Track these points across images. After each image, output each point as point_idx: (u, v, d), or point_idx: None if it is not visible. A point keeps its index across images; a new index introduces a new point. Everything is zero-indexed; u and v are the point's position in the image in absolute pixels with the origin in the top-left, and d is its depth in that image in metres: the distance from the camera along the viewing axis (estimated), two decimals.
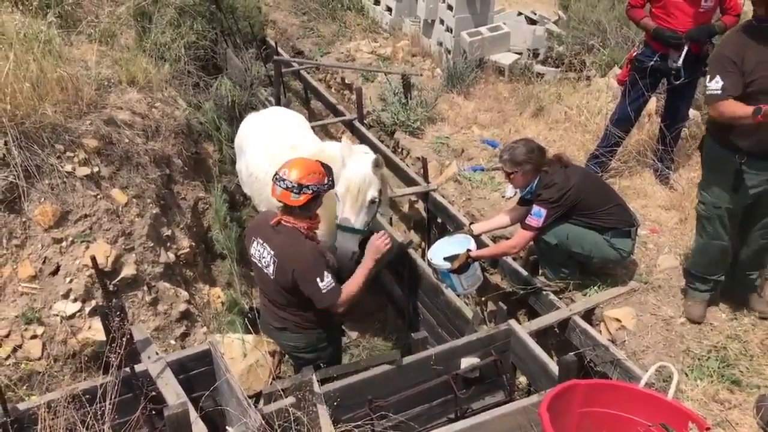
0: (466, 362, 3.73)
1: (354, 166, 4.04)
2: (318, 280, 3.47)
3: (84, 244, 4.06)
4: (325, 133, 7.20)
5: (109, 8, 6.19)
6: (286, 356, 3.87)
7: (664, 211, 5.12)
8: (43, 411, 2.97)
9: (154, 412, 3.25)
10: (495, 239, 4.80)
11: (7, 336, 3.74)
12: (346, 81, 7.76)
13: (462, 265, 4.10)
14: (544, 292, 4.29)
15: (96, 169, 4.34)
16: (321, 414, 3.26)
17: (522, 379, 4.23)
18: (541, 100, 6.71)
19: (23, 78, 4.15)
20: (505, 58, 7.43)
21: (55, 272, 3.96)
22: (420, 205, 5.77)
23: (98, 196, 4.23)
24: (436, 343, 4.20)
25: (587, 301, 4.23)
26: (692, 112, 5.83)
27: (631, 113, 5.32)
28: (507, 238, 4.64)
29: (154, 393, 3.31)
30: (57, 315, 3.87)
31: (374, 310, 5.56)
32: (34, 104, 4.15)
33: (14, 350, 3.72)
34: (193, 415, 3.12)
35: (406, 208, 6.09)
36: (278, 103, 6.35)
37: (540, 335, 4.12)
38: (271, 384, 3.50)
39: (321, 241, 3.80)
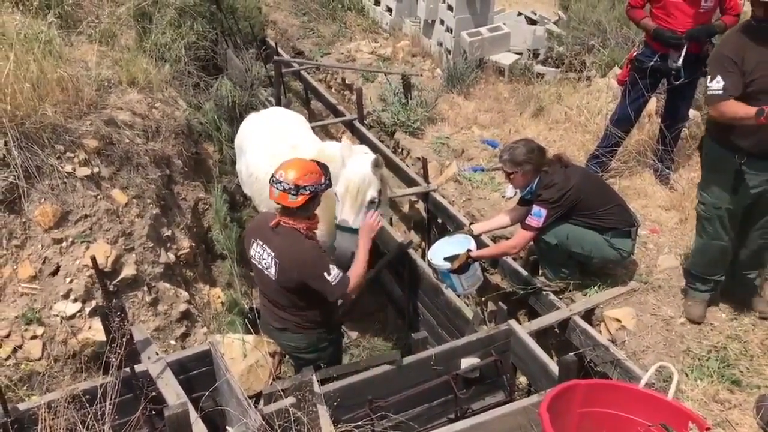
0: (466, 362, 3.73)
1: (353, 166, 4.04)
2: (325, 274, 3.49)
3: (84, 244, 4.07)
4: (325, 133, 7.20)
5: (109, 9, 6.18)
6: (287, 357, 3.88)
7: (664, 211, 5.12)
8: (43, 411, 2.98)
9: (154, 413, 3.25)
10: (495, 239, 4.80)
11: (8, 336, 3.74)
12: (347, 81, 7.76)
13: (462, 265, 4.10)
14: (544, 292, 4.29)
15: (96, 170, 4.34)
16: (321, 414, 3.26)
17: (522, 379, 4.23)
18: (541, 100, 6.71)
19: (23, 78, 4.15)
20: (505, 59, 7.43)
21: (56, 272, 3.96)
22: (420, 206, 5.77)
23: (98, 197, 4.23)
24: (436, 343, 4.20)
25: (587, 301, 4.23)
26: (692, 112, 5.82)
27: (631, 113, 5.32)
28: (507, 239, 4.64)
29: (154, 393, 3.31)
30: (57, 315, 3.87)
31: (374, 310, 5.56)
32: (34, 105, 4.15)
33: (14, 350, 3.73)
34: (193, 415, 3.12)
35: (406, 208, 6.09)
36: (278, 104, 6.35)
37: (540, 335, 4.12)
38: (271, 384, 3.50)
39: (320, 241, 3.80)
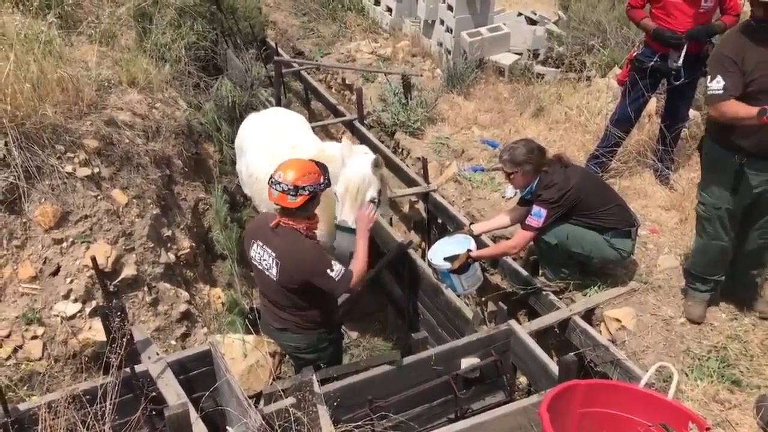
0: (467, 362, 3.74)
1: (353, 166, 4.04)
2: (328, 270, 3.50)
3: (84, 244, 4.07)
4: (325, 133, 7.20)
5: (109, 9, 6.18)
6: (287, 357, 3.88)
7: (664, 211, 5.12)
8: (43, 411, 2.98)
9: (154, 413, 3.25)
10: (495, 239, 4.80)
11: (8, 336, 3.75)
12: (347, 81, 7.76)
13: (462, 265, 4.10)
14: (544, 293, 4.29)
15: (96, 170, 4.35)
16: (321, 414, 3.26)
17: (522, 380, 4.23)
18: (541, 100, 6.71)
19: (24, 79, 4.15)
20: (505, 59, 7.43)
21: (56, 273, 3.96)
22: (420, 206, 5.77)
23: (99, 197, 4.24)
24: (436, 343, 4.21)
25: (587, 301, 4.23)
26: (692, 113, 5.83)
27: (631, 113, 5.32)
28: (507, 239, 4.64)
29: (154, 393, 3.32)
30: (57, 315, 3.87)
31: (374, 310, 5.57)
32: (34, 105, 4.16)
33: (15, 351, 3.73)
34: (194, 415, 3.13)
35: (406, 208, 6.09)
36: (278, 104, 6.35)
37: (540, 335, 4.12)
38: (271, 384, 3.50)
39: (320, 241, 3.80)
